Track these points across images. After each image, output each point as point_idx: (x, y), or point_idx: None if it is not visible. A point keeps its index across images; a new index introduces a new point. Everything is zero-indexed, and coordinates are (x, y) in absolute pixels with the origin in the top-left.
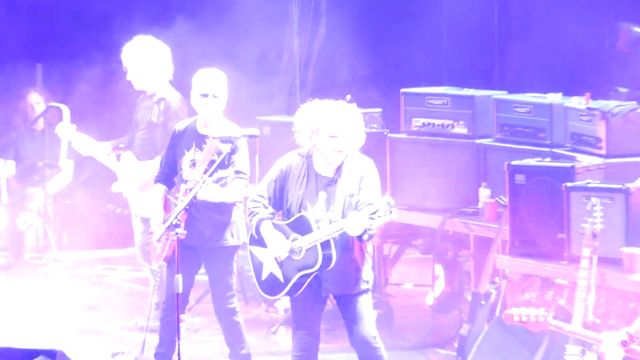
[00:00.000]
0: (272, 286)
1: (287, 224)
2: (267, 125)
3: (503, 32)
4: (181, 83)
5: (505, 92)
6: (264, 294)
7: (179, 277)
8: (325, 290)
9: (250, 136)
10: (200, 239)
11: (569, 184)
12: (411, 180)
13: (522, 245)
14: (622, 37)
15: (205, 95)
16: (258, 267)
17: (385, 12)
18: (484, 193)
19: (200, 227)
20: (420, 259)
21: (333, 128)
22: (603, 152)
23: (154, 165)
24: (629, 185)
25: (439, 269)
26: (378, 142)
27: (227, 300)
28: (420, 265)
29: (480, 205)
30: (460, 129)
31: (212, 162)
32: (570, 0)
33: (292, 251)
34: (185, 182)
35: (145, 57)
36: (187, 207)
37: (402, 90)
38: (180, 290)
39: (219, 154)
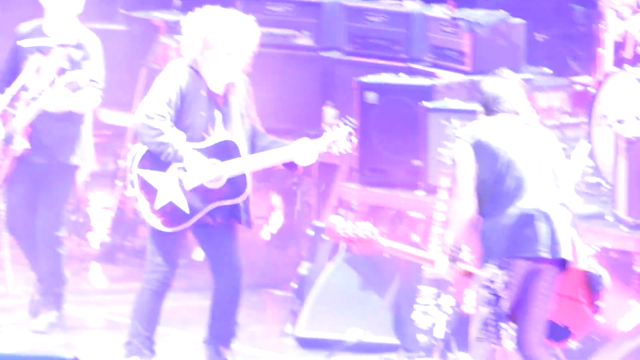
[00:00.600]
0: (170, 216)
1: (205, 149)
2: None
3: None
4: None
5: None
6: (156, 226)
7: None
8: (247, 222)
9: (64, 45)
10: (42, 155)
11: (427, 104)
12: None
13: (372, 173)
14: None
15: None
16: (149, 195)
17: None
18: (330, 113)
19: (42, 141)
20: (254, 187)
21: (234, 45)
22: (468, 68)
23: None
24: None
25: (275, 199)
26: None
27: (56, 227)
28: (254, 194)
29: (325, 127)
30: (305, 40)
31: (61, 69)
32: None
33: (211, 180)
34: (27, 90)
35: None
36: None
37: None
38: None
39: (70, 61)
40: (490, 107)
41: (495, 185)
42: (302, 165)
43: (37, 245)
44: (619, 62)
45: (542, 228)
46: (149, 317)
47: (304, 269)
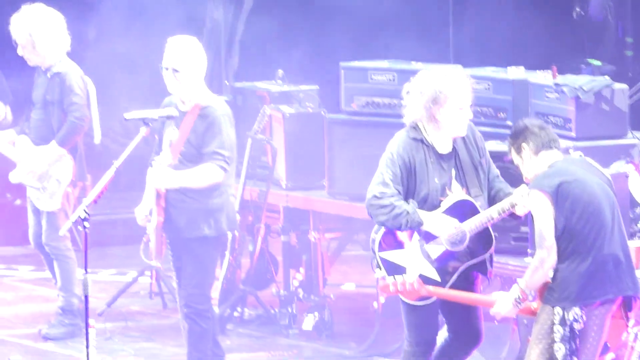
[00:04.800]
0: None
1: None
2: None
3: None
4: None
5: (460, 66)
6: (412, 302)
7: (87, 278)
8: (489, 273)
9: (168, 117)
10: (174, 229)
11: None
12: (352, 166)
13: None
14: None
15: (166, 69)
16: (398, 274)
17: None
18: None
19: (174, 215)
20: (363, 256)
21: (463, 98)
22: (572, 134)
23: (52, 151)
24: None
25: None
26: (314, 123)
27: (196, 301)
28: (363, 263)
29: None
30: None
31: (188, 142)
32: None
33: (454, 242)
34: None
35: (36, 30)
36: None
37: (342, 64)
38: (89, 292)
39: (195, 132)
40: (545, 144)
41: (577, 231)
42: (520, 214)
43: None
44: None
45: (622, 267)
46: None
47: None
